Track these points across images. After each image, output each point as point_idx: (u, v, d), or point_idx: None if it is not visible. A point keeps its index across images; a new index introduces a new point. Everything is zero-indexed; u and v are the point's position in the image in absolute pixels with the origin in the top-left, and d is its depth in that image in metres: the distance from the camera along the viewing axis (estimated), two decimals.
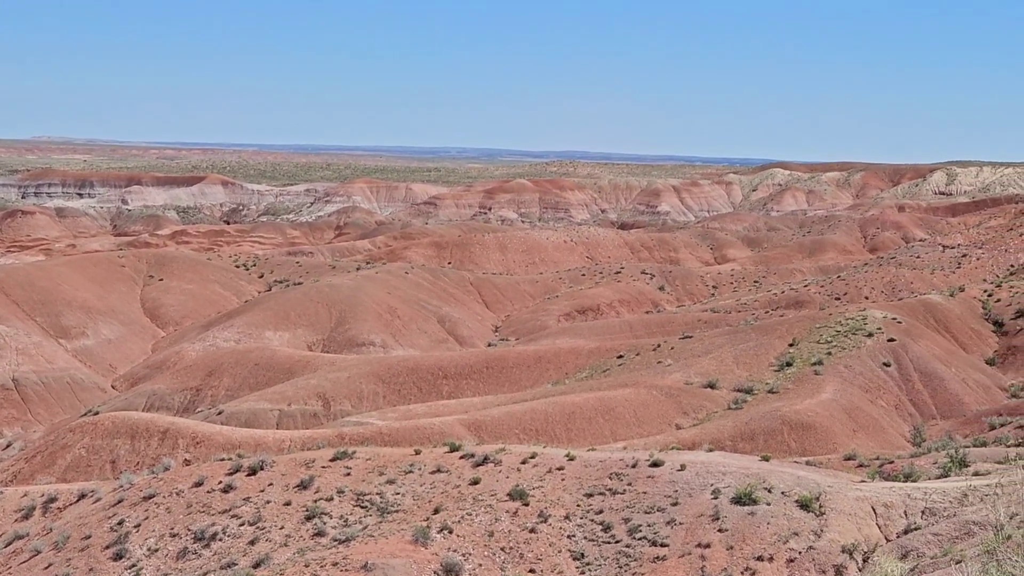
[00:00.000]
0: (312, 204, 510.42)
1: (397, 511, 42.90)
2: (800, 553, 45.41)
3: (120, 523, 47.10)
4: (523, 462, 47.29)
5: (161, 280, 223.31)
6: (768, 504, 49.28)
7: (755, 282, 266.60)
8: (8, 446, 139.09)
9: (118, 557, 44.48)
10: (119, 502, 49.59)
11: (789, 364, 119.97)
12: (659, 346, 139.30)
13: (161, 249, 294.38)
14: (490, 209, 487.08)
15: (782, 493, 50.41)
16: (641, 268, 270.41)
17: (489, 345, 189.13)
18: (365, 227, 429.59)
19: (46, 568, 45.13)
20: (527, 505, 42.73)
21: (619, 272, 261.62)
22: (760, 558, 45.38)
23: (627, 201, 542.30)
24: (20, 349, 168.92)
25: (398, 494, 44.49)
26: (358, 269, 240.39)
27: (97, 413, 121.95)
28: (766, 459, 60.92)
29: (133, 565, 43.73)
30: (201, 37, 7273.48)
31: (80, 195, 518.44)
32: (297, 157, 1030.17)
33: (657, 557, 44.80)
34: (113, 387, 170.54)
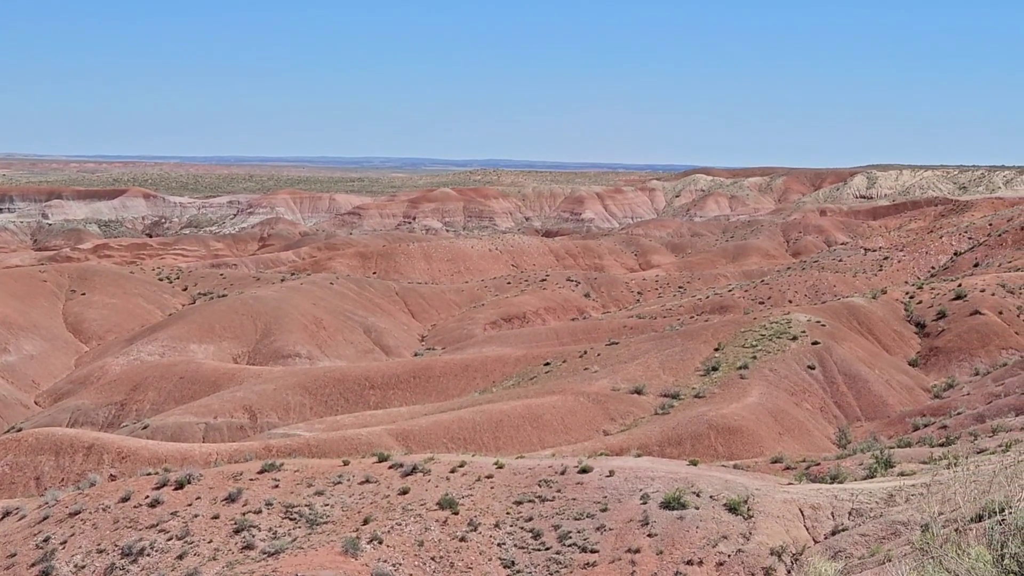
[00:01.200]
0: (235, 216, 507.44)
1: (326, 522, 42.78)
2: (729, 556, 45.77)
3: (46, 540, 46.59)
4: (452, 471, 47.34)
5: (84, 294, 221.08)
6: (697, 508, 49.62)
7: (680, 288, 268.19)
8: None
9: (44, 575, 44.03)
10: (44, 519, 49.05)
11: (715, 369, 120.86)
12: (585, 353, 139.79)
13: (83, 263, 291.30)
14: (414, 219, 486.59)
15: (710, 497, 50.79)
16: (566, 275, 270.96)
17: (415, 355, 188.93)
18: (289, 238, 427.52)
19: None
20: (457, 514, 42.78)
21: (544, 280, 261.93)
22: (690, 562, 45.68)
23: (551, 209, 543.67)
24: None
25: (327, 505, 44.35)
26: (283, 280, 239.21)
27: (20, 430, 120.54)
28: (694, 463, 61.35)
29: None
30: (119, 49, 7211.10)
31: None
32: (219, 169, 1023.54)
33: (587, 563, 44.96)
34: (36, 403, 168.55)
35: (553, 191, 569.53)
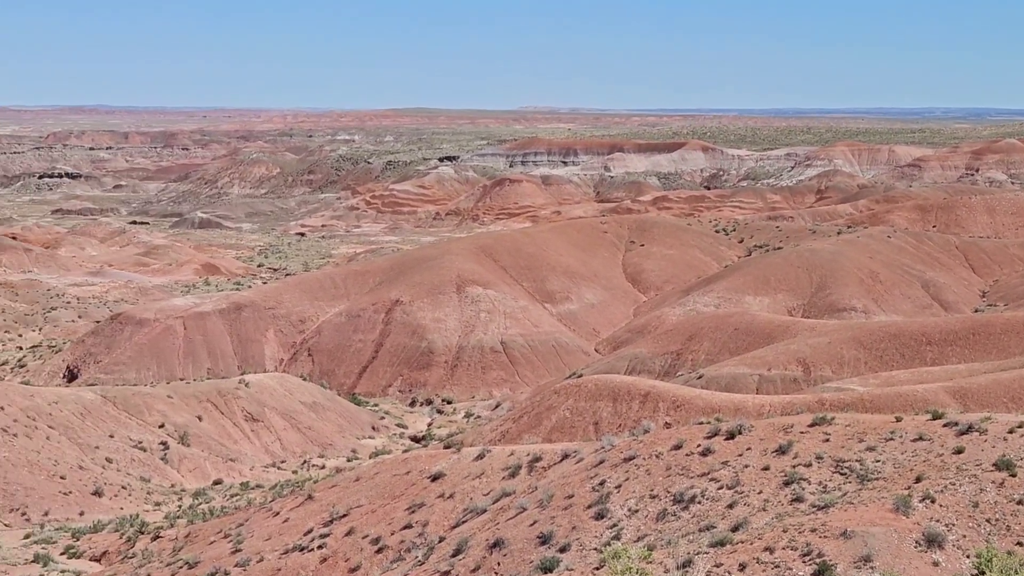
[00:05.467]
0: (792, 168, 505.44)
1: (877, 479, 41.67)
2: None
3: (601, 483, 48.04)
4: (1010, 431, 45.00)
5: (642, 246, 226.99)
6: None
7: None
8: (497, 406, 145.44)
9: (599, 517, 45.38)
10: (600, 463, 50.58)
11: None
12: None
13: (642, 215, 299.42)
14: (977, 171, 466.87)
15: None
16: None
17: (976, 311, 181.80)
18: (846, 191, 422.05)
19: (531, 525, 46.62)
20: (1014, 476, 40.61)
21: None
22: None
23: None
24: (508, 313, 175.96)
25: (878, 461, 43.22)
26: (839, 233, 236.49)
27: (580, 376, 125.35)
28: None
29: (614, 525, 44.50)
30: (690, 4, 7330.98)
31: (564, 163, 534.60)
32: (777, 121, 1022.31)
33: None
34: (596, 350, 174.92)
35: None
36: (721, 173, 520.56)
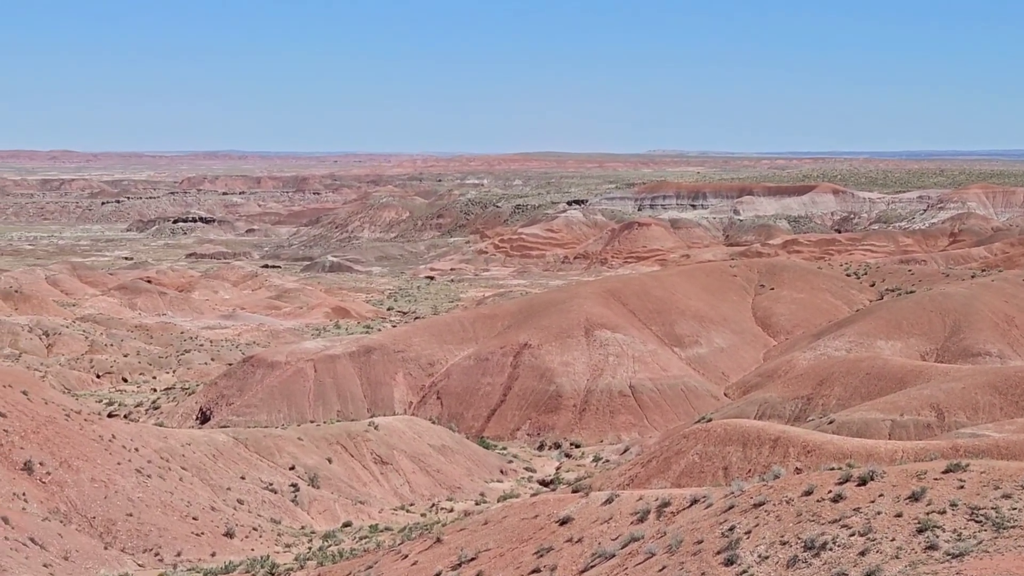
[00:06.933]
0: (924, 211, 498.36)
1: (1013, 527, 40.89)
2: None
3: (731, 529, 47.76)
4: None
5: (772, 289, 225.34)
6: None
7: None
8: (625, 451, 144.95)
9: (729, 563, 45.11)
10: (730, 508, 50.29)
11: None
12: None
13: (772, 258, 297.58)
14: None
15: None
16: None
17: None
18: (980, 233, 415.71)
19: (660, 570, 46.46)
20: None
21: None
22: None
23: None
24: (636, 357, 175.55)
25: (1015, 509, 42.41)
26: (972, 277, 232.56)
27: (709, 420, 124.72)
28: None
29: (744, 571, 44.20)
30: (798, 46, 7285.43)
31: (693, 206, 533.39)
32: (909, 164, 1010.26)
33: None
34: (725, 395, 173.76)
35: None
36: (852, 216, 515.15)
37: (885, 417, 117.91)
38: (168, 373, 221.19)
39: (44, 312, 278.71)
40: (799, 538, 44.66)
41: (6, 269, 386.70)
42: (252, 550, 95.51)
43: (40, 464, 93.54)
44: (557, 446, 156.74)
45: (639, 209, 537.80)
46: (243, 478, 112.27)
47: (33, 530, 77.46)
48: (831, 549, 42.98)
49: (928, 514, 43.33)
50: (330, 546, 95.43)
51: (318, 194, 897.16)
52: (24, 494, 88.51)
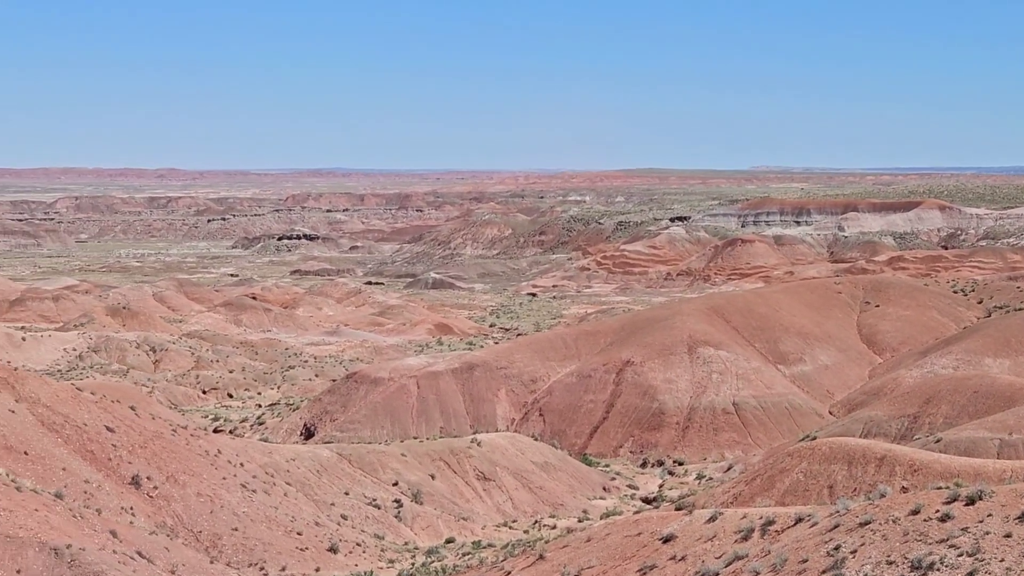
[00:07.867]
0: None
1: None
2: None
3: (836, 548, 47.41)
4: None
5: (877, 306, 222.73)
6: None
7: None
8: (729, 468, 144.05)
9: None
10: (835, 527, 49.93)
11: None
12: None
13: (877, 275, 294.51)
14: None
15: None
16: None
17: None
18: None
19: None
20: None
21: None
22: None
23: None
24: (740, 374, 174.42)
25: None
26: None
27: (814, 438, 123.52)
28: None
29: None
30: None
31: (797, 223, 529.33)
32: (1017, 179, 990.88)
33: None
34: (830, 412, 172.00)
35: None
36: (959, 232, 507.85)
37: (993, 436, 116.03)
38: (273, 389, 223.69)
39: (151, 328, 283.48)
40: (906, 558, 44.28)
41: (115, 286, 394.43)
42: (356, 565, 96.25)
43: (147, 478, 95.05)
44: (660, 463, 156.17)
45: (742, 226, 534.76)
46: (347, 494, 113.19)
47: (140, 544, 78.50)
48: (938, 569, 42.57)
49: None
50: (433, 562, 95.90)
51: (421, 211, 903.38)
52: (131, 508, 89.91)
